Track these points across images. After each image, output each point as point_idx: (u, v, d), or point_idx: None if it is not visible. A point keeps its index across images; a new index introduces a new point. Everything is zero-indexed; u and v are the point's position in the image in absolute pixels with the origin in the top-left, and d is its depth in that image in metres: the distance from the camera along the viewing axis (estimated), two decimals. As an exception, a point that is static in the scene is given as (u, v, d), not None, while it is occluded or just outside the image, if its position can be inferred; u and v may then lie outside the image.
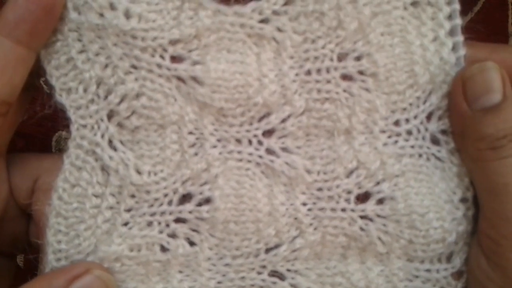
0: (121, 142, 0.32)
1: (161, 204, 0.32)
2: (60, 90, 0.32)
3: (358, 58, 0.32)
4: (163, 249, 0.33)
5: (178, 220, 0.33)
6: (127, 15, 0.30)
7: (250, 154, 0.33)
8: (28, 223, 0.36)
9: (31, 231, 0.36)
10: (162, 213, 0.32)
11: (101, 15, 0.30)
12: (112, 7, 0.30)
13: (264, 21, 0.32)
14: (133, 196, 0.32)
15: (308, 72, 0.32)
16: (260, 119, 0.32)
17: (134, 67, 0.31)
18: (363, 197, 0.33)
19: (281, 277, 0.34)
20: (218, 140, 0.32)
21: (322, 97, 0.32)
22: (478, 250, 0.33)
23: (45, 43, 0.31)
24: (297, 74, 0.32)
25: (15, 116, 0.33)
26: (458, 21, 0.33)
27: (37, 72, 0.32)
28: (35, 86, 0.33)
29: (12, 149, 0.34)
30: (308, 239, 0.33)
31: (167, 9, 0.31)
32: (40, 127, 0.36)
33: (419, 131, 0.33)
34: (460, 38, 0.33)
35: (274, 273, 0.34)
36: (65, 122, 0.33)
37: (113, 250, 0.32)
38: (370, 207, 0.33)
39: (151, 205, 0.32)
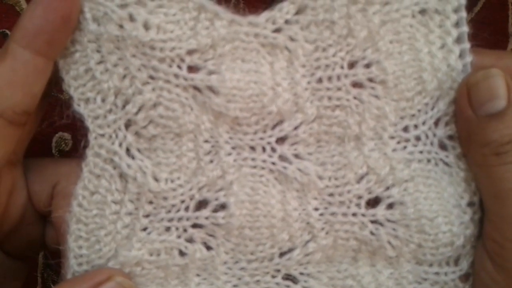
0: (139, 151, 0.36)
1: (178, 210, 0.36)
2: (78, 100, 0.35)
3: (367, 66, 0.36)
4: (181, 253, 0.36)
5: (195, 226, 0.36)
6: (146, 26, 0.33)
7: (264, 161, 0.36)
8: (44, 227, 0.39)
9: (48, 235, 0.39)
10: (180, 219, 0.36)
11: (121, 26, 0.33)
12: (132, 18, 0.33)
13: (276, 30, 0.35)
14: (151, 202, 0.36)
15: (319, 80, 0.36)
16: (274, 127, 0.36)
17: (151, 77, 0.34)
18: (373, 202, 0.37)
19: (294, 281, 0.37)
20: (233, 148, 0.36)
21: (333, 104, 0.36)
22: (483, 253, 0.36)
23: (63, 53, 0.34)
24: (308, 82, 0.36)
25: (32, 125, 0.36)
26: (465, 28, 0.36)
27: (55, 82, 0.35)
28: (52, 95, 0.36)
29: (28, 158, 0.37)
30: (320, 243, 0.37)
31: (184, 20, 0.34)
32: (40, 128, 0.39)
33: (427, 136, 0.37)
34: (467, 45, 0.36)
35: (287, 277, 0.37)
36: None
37: (133, 254, 0.35)
38: (380, 212, 0.36)
39: (169, 211, 0.36)
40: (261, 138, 0.36)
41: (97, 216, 0.36)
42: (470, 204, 0.37)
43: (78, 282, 0.34)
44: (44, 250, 0.47)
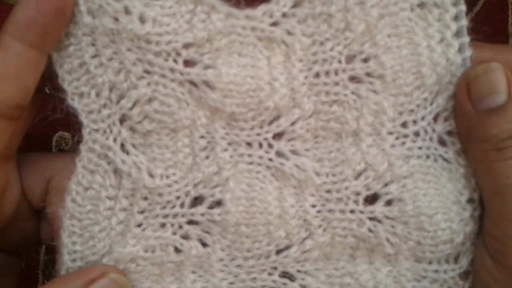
0: (133, 146, 0.36)
1: (174, 207, 0.36)
2: (72, 94, 0.36)
3: (365, 60, 0.36)
4: (177, 250, 0.37)
5: (191, 222, 0.37)
6: (142, 19, 0.33)
7: (261, 157, 0.36)
8: (38, 223, 0.40)
9: (43, 231, 0.40)
10: (175, 215, 0.36)
11: (116, 19, 0.33)
12: (127, 11, 0.33)
13: (274, 24, 0.35)
14: (145, 198, 0.36)
15: (317, 75, 0.36)
16: (270, 123, 0.36)
17: (147, 72, 0.35)
18: (371, 199, 0.37)
19: (291, 278, 0.38)
20: (229, 144, 0.36)
21: (330, 100, 0.36)
22: (483, 250, 0.36)
23: (57, 47, 0.35)
24: (306, 77, 0.36)
25: (26, 119, 0.36)
26: (464, 22, 0.36)
27: (48, 76, 0.35)
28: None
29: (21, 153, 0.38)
30: (317, 240, 0.37)
31: (181, 13, 0.34)
32: (41, 127, 0.39)
33: (426, 132, 0.37)
34: (466, 39, 0.36)
35: (284, 274, 0.38)
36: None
37: (128, 251, 0.36)
38: (378, 208, 0.37)
39: (164, 207, 0.36)
40: (258, 134, 0.36)
41: (91, 212, 0.36)
42: (470, 200, 0.37)
43: (71, 279, 0.34)
44: (45, 247, 0.47)
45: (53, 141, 0.46)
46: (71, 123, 0.36)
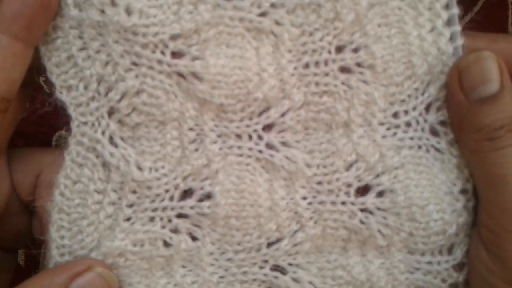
0: (122, 139, 0.36)
1: (163, 200, 0.36)
2: (60, 87, 0.36)
3: (355, 50, 0.36)
4: (166, 244, 0.37)
5: (180, 216, 0.37)
6: (128, 11, 0.33)
7: (250, 149, 0.36)
8: (30, 218, 0.40)
9: (34, 226, 0.40)
10: (164, 209, 0.36)
11: (102, 11, 0.33)
12: (113, 3, 0.33)
13: (262, 14, 0.35)
14: (134, 192, 0.36)
15: (306, 65, 0.36)
16: (260, 114, 0.36)
17: (134, 64, 0.35)
18: (363, 190, 0.37)
19: (283, 271, 0.38)
20: (218, 136, 0.36)
21: (321, 90, 0.36)
22: (478, 241, 0.36)
23: (45, 40, 0.35)
24: (295, 68, 0.36)
25: (15, 113, 0.36)
26: (455, 10, 0.36)
27: (37, 69, 0.36)
28: (35, 83, 0.37)
29: (12, 148, 0.38)
30: (308, 232, 0.37)
31: (168, 4, 0.34)
32: (40, 127, 0.40)
33: (418, 122, 0.37)
34: (457, 27, 0.36)
35: (276, 268, 0.38)
36: (66, 121, 0.36)
37: (116, 245, 0.36)
38: (370, 200, 0.37)
39: (153, 201, 0.36)
40: (248, 126, 0.36)
41: (79, 205, 0.36)
42: (463, 191, 0.37)
43: (57, 272, 0.34)
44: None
45: (52, 140, 0.46)
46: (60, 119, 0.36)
